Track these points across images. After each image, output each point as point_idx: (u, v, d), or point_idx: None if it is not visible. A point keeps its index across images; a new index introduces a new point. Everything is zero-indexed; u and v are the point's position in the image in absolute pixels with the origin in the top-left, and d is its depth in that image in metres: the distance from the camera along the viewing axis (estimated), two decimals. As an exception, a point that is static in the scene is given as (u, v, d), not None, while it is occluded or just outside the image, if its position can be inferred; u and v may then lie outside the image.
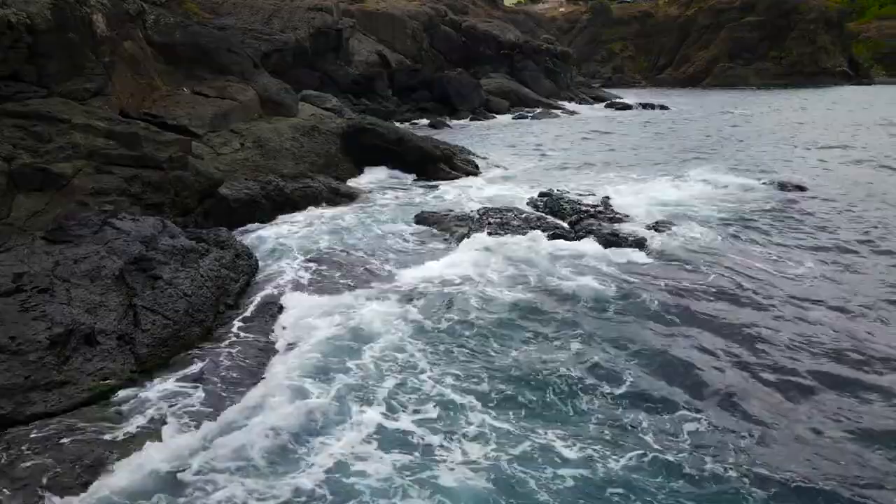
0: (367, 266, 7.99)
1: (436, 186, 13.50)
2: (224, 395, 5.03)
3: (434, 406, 4.86)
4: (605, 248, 8.02)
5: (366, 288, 7.17)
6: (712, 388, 5.16)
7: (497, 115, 34.25)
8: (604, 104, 44.88)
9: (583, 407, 4.94)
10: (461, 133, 26.03)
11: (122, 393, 4.93)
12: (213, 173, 9.39)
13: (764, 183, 12.96)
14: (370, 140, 14.23)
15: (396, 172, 14.23)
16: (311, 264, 7.93)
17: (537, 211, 10.48)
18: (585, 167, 16.90)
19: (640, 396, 5.06)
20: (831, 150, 19.76)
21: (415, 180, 14.03)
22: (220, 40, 13.45)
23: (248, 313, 6.55)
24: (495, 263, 7.66)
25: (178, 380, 5.17)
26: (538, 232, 8.56)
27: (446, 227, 9.52)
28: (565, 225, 9.14)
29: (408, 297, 6.85)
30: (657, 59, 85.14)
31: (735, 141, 22.47)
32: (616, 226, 9.00)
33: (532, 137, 24.58)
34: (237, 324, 6.30)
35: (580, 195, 12.41)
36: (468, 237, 8.58)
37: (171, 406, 4.80)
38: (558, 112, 38.40)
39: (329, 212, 10.87)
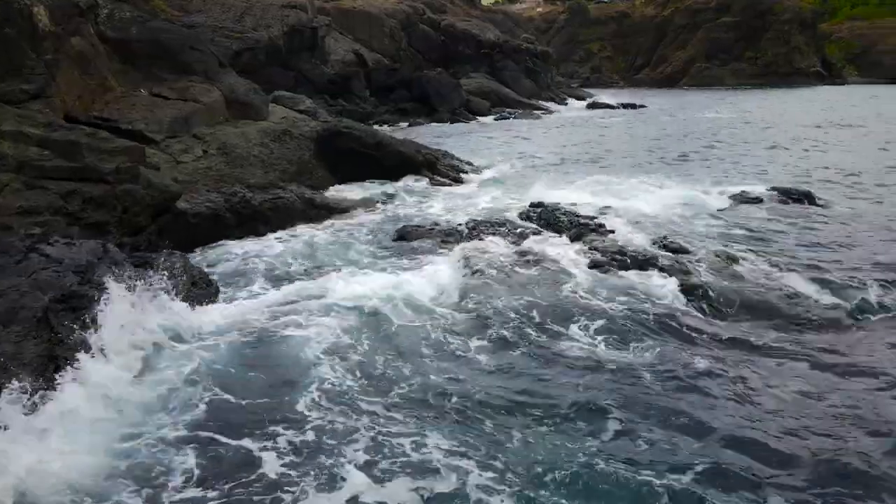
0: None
1: (419, 195, 12.55)
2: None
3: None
4: (620, 270, 7.05)
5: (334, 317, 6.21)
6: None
7: (478, 117, 33.37)
8: (585, 104, 44.31)
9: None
10: (442, 135, 25.09)
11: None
12: (168, 185, 8.32)
13: (770, 190, 12.18)
14: (346, 144, 13.21)
15: (375, 179, 13.23)
16: (279, 293, 6.93)
17: (531, 223, 9.60)
18: (574, 171, 16.05)
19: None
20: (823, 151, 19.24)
21: (395, 188, 13.05)
22: (182, 37, 12.33)
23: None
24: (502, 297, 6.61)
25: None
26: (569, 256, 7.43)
27: (433, 244, 8.56)
28: (565, 240, 8.23)
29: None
30: (634, 60, 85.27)
31: (726, 144, 21.85)
32: (619, 241, 8.12)
33: (515, 139, 23.74)
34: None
35: (573, 204, 11.57)
36: (462, 261, 7.55)
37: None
38: (540, 112, 37.69)
39: (302, 227, 9.85)
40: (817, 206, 11.46)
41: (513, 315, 6.17)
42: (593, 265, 7.17)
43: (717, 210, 10.93)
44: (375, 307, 6.40)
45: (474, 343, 5.79)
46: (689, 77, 76.86)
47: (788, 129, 26.25)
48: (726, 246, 8.38)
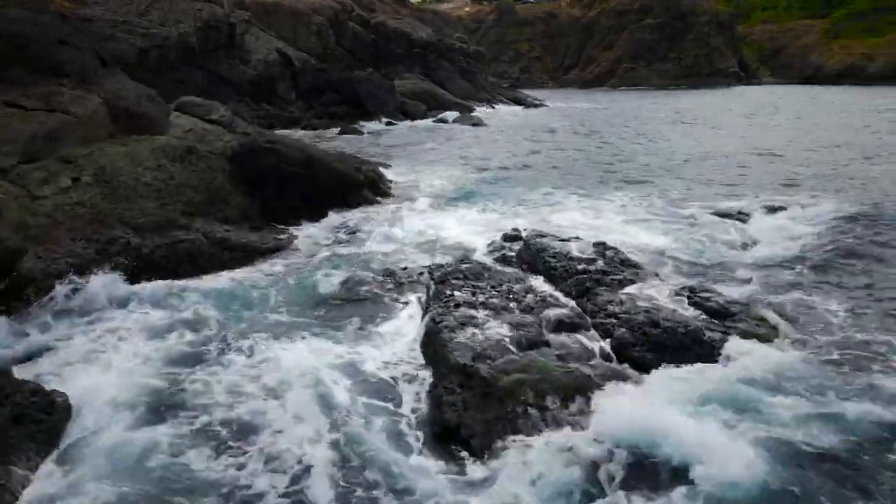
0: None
1: (362, 223, 10.27)
2: None
3: None
4: (670, 367, 4.89)
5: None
6: None
7: (414, 120, 31.21)
8: (522, 106, 42.97)
9: None
10: (379, 142, 22.79)
11: None
12: (5, 240, 5.74)
13: (764, 207, 10.64)
14: (271, 163, 10.77)
15: (307, 204, 10.85)
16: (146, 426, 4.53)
17: (511, 267, 7.55)
18: (534, 183, 14.19)
19: None
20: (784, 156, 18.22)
21: (332, 215, 10.72)
22: (46, 27, 9.53)
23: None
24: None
25: None
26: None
27: (385, 315, 6.38)
28: (569, 304, 6.17)
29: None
30: (563, 60, 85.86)
31: (686, 150, 20.61)
32: (638, 297, 6.16)
33: (460, 145, 21.74)
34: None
35: (552, 224, 9.68)
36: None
37: None
38: (479, 115, 35.90)
39: (202, 282, 7.42)
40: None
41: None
42: (619, 351, 5.18)
43: (734, 234, 9.33)
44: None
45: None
46: (617, 78, 77.73)
47: (735, 129, 25.58)
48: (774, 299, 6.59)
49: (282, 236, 9.26)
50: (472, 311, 5.64)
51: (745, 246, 8.95)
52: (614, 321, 5.53)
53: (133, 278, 7.02)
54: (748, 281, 7.29)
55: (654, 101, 47.47)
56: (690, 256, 8.44)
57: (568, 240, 8.06)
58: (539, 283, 6.77)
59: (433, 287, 6.50)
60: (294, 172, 10.88)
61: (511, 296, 6.09)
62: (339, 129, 26.26)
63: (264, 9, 34.30)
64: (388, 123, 29.29)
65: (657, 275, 7.03)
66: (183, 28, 27.53)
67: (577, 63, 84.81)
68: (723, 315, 5.72)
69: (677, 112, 36.96)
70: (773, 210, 10.63)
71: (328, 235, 9.65)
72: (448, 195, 12.61)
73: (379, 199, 11.47)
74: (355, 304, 6.87)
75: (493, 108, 40.49)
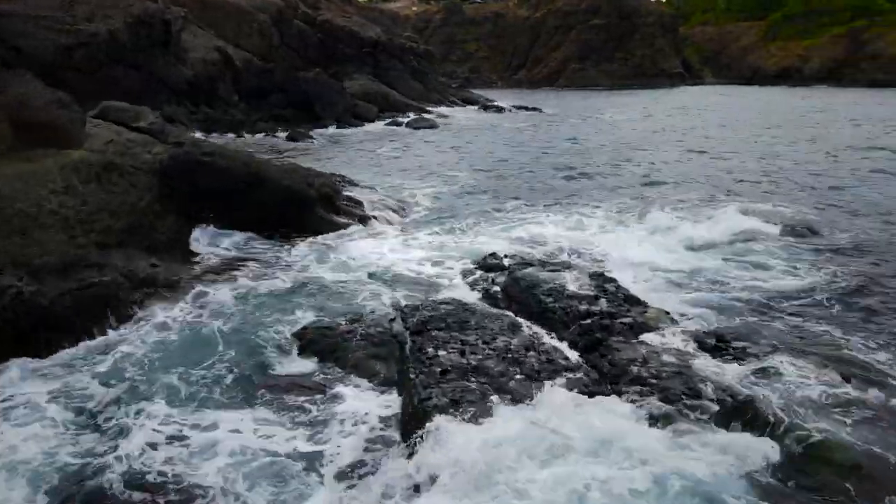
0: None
1: (316, 250, 8.92)
2: None
3: None
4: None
5: None
6: None
7: (367, 123, 29.78)
8: (477, 107, 42.02)
9: None
10: (330, 149, 21.33)
11: None
12: None
13: (778, 225, 9.66)
14: (209, 179, 9.31)
15: (253, 225, 9.47)
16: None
17: (498, 307, 6.40)
18: (502, 194, 13.14)
19: None
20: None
21: (280, 240, 9.31)
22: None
23: None
24: None
25: None
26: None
27: (348, 387, 5.11)
28: (581, 365, 5.03)
29: None
30: (512, 60, 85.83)
31: (650, 152, 19.96)
32: (659, 349, 5.11)
33: (419, 152, 20.52)
34: None
35: (529, 241, 8.57)
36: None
37: None
38: (433, 117, 34.75)
39: (129, 327, 6.01)
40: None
41: None
42: (657, 426, 4.09)
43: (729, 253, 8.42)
44: None
45: None
46: (566, 78, 78.02)
47: (694, 130, 25.24)
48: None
49: (215, 266, 7.84)
50: (465, 382, 4.45)
51: (747, 267, 8.06)
52: (645, 389, 4.44)
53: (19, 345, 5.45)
54: (763, 314, 6.35)
55: (607, 101, 47.40)
56: (690, 281, 7.50)
57: (558, 268, 6.97)
58: (537, 331, 5.63)
59: (408, 340, 5.28)
60: (237, 190, 9.46)
61: (509, 354, 4.92)
62: (286, 133, 24.64)
63: (203, 5, 32.19)
64: (340, 127, 27.79)
65: (668, 314, 6.01)
66: (112, 24, 25.43)
67: (525, 63, 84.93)
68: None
69: (647, 115, 36.67)
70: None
71: (276, 265, 8.26)
72: (413, 212, 11.39)
73: (335, 218, 10.14)
74: (305, 370, 5.53)
75: (447, 109, 39.39)
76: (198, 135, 21.44)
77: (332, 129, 26.99)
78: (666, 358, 4.91)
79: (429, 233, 9.94)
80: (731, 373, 4.69)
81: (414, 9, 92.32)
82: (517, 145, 22.33)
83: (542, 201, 12.40)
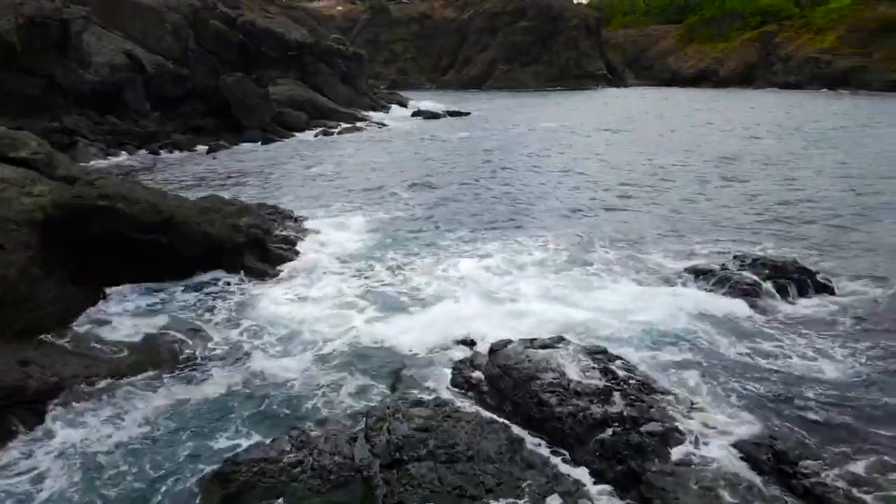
0: None
1: (244, 320, 7.30)
2: None
3: None
4: None
5: None
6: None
7: (296, 133, 27.86)
8: (410, 112, 40.62)
9: None
10: (256, 164, 19.43)
11: None
12: None
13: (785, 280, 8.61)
14: (108, 229, 7.58)
15: (164, 287, 7.79)
16: None
17: (482, 402, 5.13)
18: (451, 224, 11.90)
19: None
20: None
21: (200, 309, 7.63)
22: None
23: None
24: None
25: None
26: None
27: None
28: (602, 497, 3.84)
29: None
30: (439, 61, 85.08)
31: (599, 167, 19.24)
32: (705, 469, 3.99)
33: (354, 167, 18.98)
34: None
35: (497, 295, 7.36)
36: None
37: None
38: (365, 124, 33.16)
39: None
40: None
41: None
42: None
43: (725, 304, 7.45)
44: None
45: None
46: (494, 79, 77.90)
47: (641, 135, 24.90)
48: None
49: (121, 354, 6.18)
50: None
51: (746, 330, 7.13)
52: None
53: None
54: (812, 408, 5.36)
55: (540, 104, 47.09)
56: (694, 343, 6.50)
57: (549, 344, 5.78)
58: (544, 454, 4.40)
59: (379, 481, 3.92)
60: (145, 240, 7.77)
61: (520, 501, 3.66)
62: (207, 147, 22.48)
63: (108, 4, 29.25)
64: (266, 138, 25.77)
65: (694, 405, 4.94)
66: (2, 25, 22.51)
67: (453, 64, 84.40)
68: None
69: (578, 117, 36.30)
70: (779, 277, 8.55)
71: (194, 344, 6.64)
72: (358, 254, 9.94)
73: (268, 268, 8.58)
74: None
75: (380, 115, 37.82)
76: (100, 163, 18.89)
77: (258, 142, 24.90)
78: (723, 493, 3.79)
79: (378, 282, 8.55)
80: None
81: (339, 8, 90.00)
82: (456, 158, 21.19)
83: (486, 229, 11.46)
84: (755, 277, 7.99)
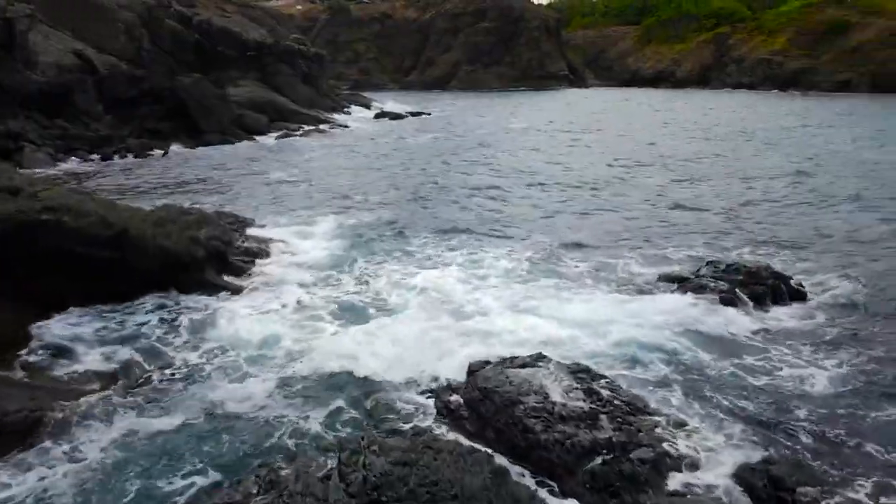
0: None
1: (203, 344, 6.82)
2: None
3: None
4: None
5: None
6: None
7: (257, 137, 27.12)
8: (374, 114, 40.11)
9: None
10: (216, 169, 18.78)
11: None
12: None
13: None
14: (52, 245, 7.05)
15: (116, 306, 7.28)
16: None
17: (462, 429, 4.86)
18: (414, 232, 11.56)
19: None
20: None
21: (158, 326, 7.15)
22: None
23: None
24: None
25: None
26: None
27: None
28: None
29: None
30: (402, 61, 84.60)
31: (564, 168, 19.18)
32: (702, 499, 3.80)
33: (318, 171, 18.50)
34: None
35: (477, 317, 7.09)
36: None
37: None
38: (328, 127, 32.56)
39: None
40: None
41: None
42: None
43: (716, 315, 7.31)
44: None
45: None
46: (458, 80, 77.83)
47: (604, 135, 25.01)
48: None
49: (71, 384, 5.69)
50: None
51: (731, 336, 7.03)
52: None
53: None
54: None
55: (505, 104, 47.11)
56: (675, 357, 6.35)
57: (529, 363, 5.54)
58: (530, 485, 4.14)
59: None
60: (96, 256, 7.26)
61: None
62: (163, 151, 21.66)
63: (56, 2, 28.01)
64: (224, 140, 25.00)
65: (684, 426, 4.76)
66: (-62, 23, 21.35)
67: (416, 65, 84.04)
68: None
69: (549, 121, 36.34)
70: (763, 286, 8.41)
71: (150, 372, 6.17)
72: (323, 263, 9.56)
73: (228, 283, 8.14)
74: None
75: (342, 117, 37.23)
76: (48, 170, 17.91)
77: (216, 146, 24.12)
78: (721, 527, 3.60)
79: (343, 296, 8.19)
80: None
81: (298, 7, 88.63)
82: (421, 161, 20.89)
83: (457, 235, 11.19)
84: (730, 286, 7.92)
